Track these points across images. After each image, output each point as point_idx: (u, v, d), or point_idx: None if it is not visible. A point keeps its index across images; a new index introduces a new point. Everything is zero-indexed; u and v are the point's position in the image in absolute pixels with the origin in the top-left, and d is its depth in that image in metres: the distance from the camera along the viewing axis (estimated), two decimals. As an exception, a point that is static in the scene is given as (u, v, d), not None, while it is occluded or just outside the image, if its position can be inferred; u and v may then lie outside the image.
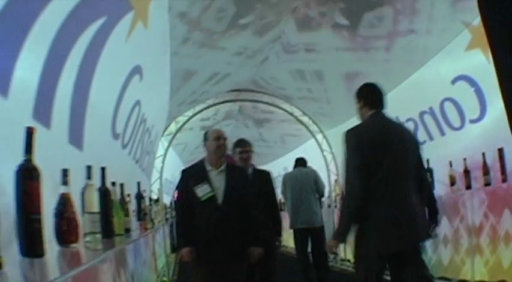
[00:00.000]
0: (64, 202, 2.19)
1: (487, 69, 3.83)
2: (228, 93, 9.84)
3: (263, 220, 4.41)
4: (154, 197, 8.82)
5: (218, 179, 3.95)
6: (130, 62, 4.20)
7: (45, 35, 2.30)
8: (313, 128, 10.72)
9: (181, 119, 9.88)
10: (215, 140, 3.98)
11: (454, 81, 5.92)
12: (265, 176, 5.12)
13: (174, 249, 11.46)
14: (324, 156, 10.66)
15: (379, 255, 3.23)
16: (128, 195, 4.27)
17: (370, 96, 3.49)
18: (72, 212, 2.23)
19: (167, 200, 11.90)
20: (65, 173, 2.22)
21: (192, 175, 4.00)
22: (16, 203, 1.72)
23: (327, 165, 10.66)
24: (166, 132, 9.78)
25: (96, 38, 2.94)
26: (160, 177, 9.85)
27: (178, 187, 4.30)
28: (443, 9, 5.37)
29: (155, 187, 9.49)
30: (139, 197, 4.88)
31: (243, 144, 4.98)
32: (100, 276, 2.57)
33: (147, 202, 5.91)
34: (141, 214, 4.85)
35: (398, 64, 6.89)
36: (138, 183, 5.05)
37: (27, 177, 1.78)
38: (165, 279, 8.04)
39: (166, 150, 9.95)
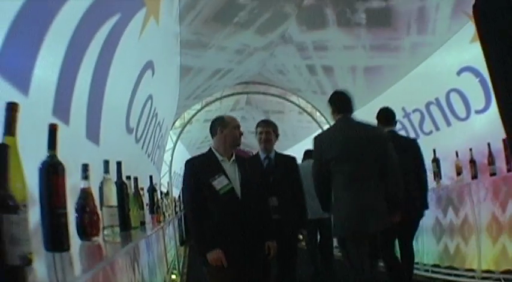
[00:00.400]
0: (85, 196, 2.21)
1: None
2: (236, 86, 9.88)
3: (289, 211, 4.25)
4: (164, 190, 8.89)
5: (232, 171, 3.57)
6: (143, 58, 4.20)
7: (63, 33, 2.34)
8: (321, 119, 10.74)
9: (190, 112, 9.94)
10: (235, 128, 3.64)
11: (459, 72, 5.93)
12: (291, 162, 4.63)
13: (183, 242, 11.56)
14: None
15: (346, 236, 4.01)
16: (141, 188, 4.29)
17: (338, 103, 4.19)
18: (93, 205, 2.27)
19: (176, 193, 11.97)
20: (85, 167, 2.25)
21: (204, 166, 3.58)
22: (41, 199, 1.74)
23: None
24: (173, 126, 9.83)
25: (111, 35, 2.98)
26: (170, 170, 9.91)
27: (186, 180, 3.71)
28: (448, 1, 5.39)
29: (164, 180, 9.56)
30: (152, 190, 4.88)
31: (263, 124, 4.61)
32: (122, 268, 2.64)
33: (159, 195, 5.95)
34: (154, 207, 4.87)
35: (404, 56, 6.90)
36: (151, 177, 5.05)
37: (53, 173, 1.80)
38: (175, 272, 8.13)
39: (175, 144, 10.00)
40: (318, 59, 8.05)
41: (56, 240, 1.78)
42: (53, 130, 1.92)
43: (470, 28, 5.36)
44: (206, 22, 6.01)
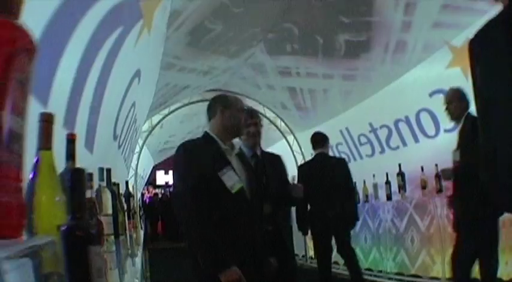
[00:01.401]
0: (91, 206, 2.23)
1: (465, 86, 4.19)
2: (204, 92, 9.92)
3: (284, 220, 3.78)
4: (131, 194, 8.82)
5: (236, 164, 2.78)
6: (134, 67, 4.21)
7: (79, 45, 2.37)
8: (285, 129, 10.91)
9: (158, 116, 9.93)
10: (239, 112, 2.87)
11: (432, 94, 6.10)
12: (279, 160, 3.89)
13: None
14: (295, 157, 10.84)
15: None
16: (121, 194, 4.27)
17: None
18: (97, 215, 2.30)
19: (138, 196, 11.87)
20: (90, 177, 2.24)
21: (207, 154, 2.68)
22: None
23: (297, 166, 10.81)
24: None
25: (113, 47, 3.02)
26: (135, 174, 9.82)
27: (184, 169, 2.71)
28: (425, 25, 5.60)
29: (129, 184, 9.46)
30: (129, 196, 4.85)
31: (250, 115, 3.66)
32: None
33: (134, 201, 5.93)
34: (131, 213, 4.83)
35: (376, 74, 7.07)
36: (127, 182, 5.02)
37: (74, 185, 1.82)
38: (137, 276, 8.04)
39: (142, 147, 9.94)
40: (283, 80, 8.52)
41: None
42: (71, 140, 1.92)
43: (446, 54, 5.56)
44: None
